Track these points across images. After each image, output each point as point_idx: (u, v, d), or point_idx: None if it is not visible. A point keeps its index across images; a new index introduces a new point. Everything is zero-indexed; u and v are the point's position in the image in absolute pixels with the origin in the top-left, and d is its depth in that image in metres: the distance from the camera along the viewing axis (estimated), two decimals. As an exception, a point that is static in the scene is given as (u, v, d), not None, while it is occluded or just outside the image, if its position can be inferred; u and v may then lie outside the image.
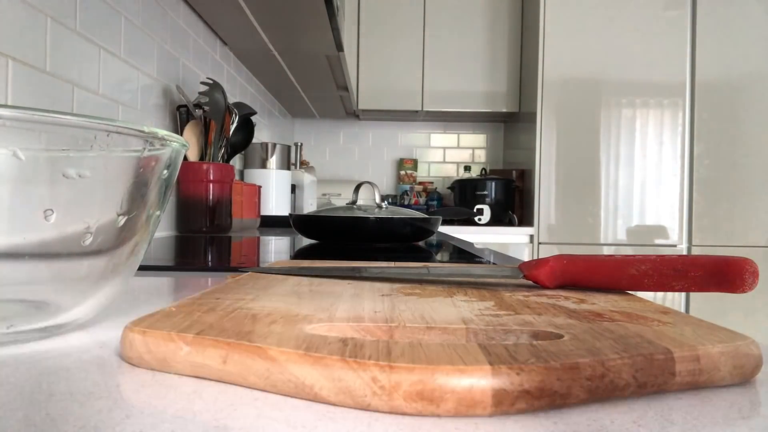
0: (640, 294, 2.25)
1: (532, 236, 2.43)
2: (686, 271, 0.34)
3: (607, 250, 2.38)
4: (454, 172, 3.15)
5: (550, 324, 0.27)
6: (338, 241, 0.92)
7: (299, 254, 0.86)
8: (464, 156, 3.16)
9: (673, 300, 2.32)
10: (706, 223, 2.37)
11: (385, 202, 0.98)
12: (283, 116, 2.80)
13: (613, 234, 2.40)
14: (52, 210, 0.26)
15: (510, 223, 2.54)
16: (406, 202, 2.96)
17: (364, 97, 2.80)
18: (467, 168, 3.00)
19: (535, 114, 2.43)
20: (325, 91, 2.40)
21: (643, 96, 2.37)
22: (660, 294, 2.32)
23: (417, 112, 2.84)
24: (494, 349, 0.21)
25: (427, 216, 0.93)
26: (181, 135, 1.28)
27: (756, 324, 2.33)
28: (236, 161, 1.87)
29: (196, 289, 0.47)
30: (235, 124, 1.34)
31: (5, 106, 0.23)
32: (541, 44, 2.40)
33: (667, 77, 2.35)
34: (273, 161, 1.90)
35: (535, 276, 0.39)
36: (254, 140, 1.50)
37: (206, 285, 0.50)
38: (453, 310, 0.30)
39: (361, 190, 1.01)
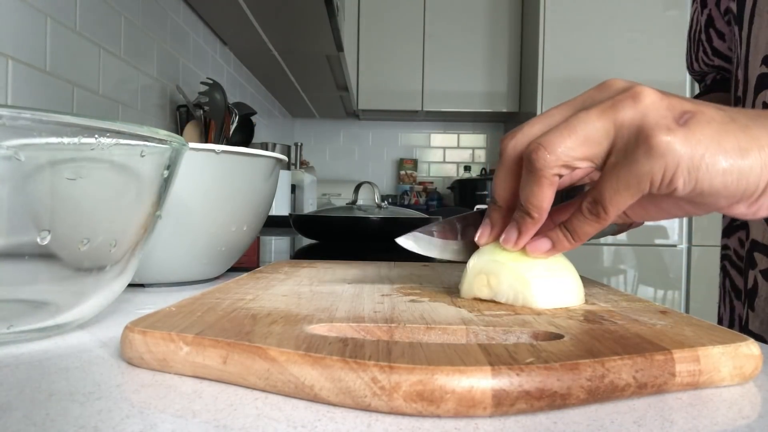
0: (640, 293, 2.26)
1: (532, 236, 2.42)
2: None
3: (607, 250, 2.38)
4: (454, 172, 3.15)
5: (550, 324, 0.27)
6: (338, 241, 0.92)
7: (299, 254, 0.86)
8: (464, 156, 3.15)
9: (673, 300, 2.33)
10: (706, 223, 2.37)
11: (385, 202, 0.99)
12: (283, 116, 2.80)
13: (613, 234, 2.40)
14: (48, 231, 0.26)
15: (510, 223, 2.53)
16: (406, 202, 2.96)
17: (364, 97, 2.79)
18: (467, 168, 3.00)
19: (535, 114, 2.42)
20: (325, 91, 2.40)
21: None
22: (660, 294, 2.32)
23: (417, 112, 2.84)
24: (494, 350, 0.21)
25: (427, 216, 0.93)
26: (181, 135, 1.28)
27: (756, 324, 2.33)
28: (236, 161, 1.86)
29: (196, 289, 0.47)
30: (235, 124, 1.34)
31: (5, 106, 0.23)
32: (541, 44, 2.40)
33: (667, 77, 2.34)
34: (273, 161, 1.89)
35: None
36: (254, 140, 1.50)
37: (206, 285, 0.50)
38: (453, 310, 0.30)
39: (361, 190, 1.01)
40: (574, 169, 0.29)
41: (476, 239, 0.35)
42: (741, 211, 0.30)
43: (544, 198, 0.30)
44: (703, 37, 0.62)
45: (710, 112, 0.28)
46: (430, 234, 0.38)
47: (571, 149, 0.28)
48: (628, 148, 0.27)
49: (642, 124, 0.27)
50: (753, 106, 0.47)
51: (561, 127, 0.29)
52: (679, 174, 0.27)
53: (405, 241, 0.38)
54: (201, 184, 0.46)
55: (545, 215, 0.31)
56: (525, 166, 0.30)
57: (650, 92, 0.28)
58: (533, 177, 0.29)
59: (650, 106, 0.27)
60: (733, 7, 0.51)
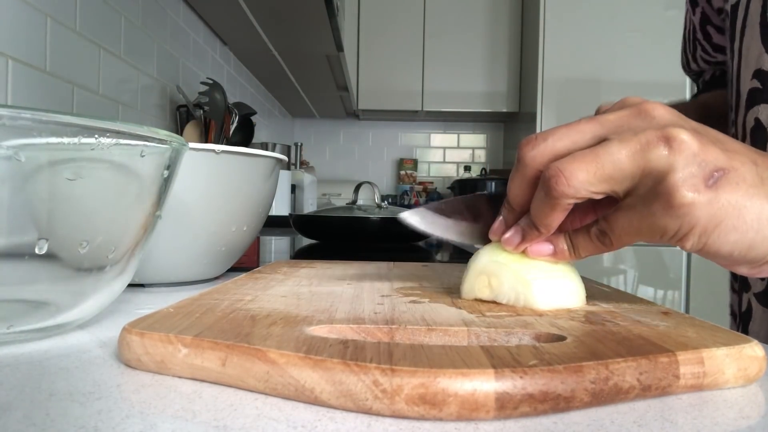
0: (640, 294, 2.25)
1: (532, 236, 2.42)
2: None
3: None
4: (454, 172, 3.14)
5: (552, 325, 0.27)
6: (338, 241, 0.92)
7: (299, 254, 0.86)
8: (464, 156, 3.15)
9: (673, 300, 2.32)
10: (706, 223, 2.37)
11: (385, 202, 0.98)
12: (283, 116, 2.80)
13: (613, 234, 2.39)
14: (46, 239, 0.26)
15: (510, 224, 2.53)
16: (406, 202, 2.96)
17: (364, 97, 2.79)
18: (467, 168, 3.00)
19: (535, 114, 2.43)
20: (325, 91, 2.40)
21: (643, 96, 2.36)
22: (660, 294, 2.32)
23: (417, 112, 2.84)
24: (497, 352, 0.21)
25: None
26: (181, 135, 1.27)
27: (756, 324, 2.33)
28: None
29: (196, 289, 0.47)
30: (235, 124, 1.34)
31: (5, 106, 0.23)
32: (541, 44, 2.40)
33: (667, 77, 2.34)
34: (273, 161, 1.88)
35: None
36: (254, 140, 1.50)
37: (206, 285, 0.50)
38: (454, 311, 0.30)
39: (361, 190, 1.01)
40: (590, 198, 0.29)
41: (490, 234, 0.34)
42: (742, 271, 0.29)
43: (554, 219, 0.30)
44: (699, 36, 0.61)
45: (743, 169, 0.26)
46: (439, 212, 0.36)
47: (591, 184, 0.27)
48: (648, 197, 0.27)
49: (668, 178, 0.26)
50: (744, 122, 0.47)
51: (587, 157, 0.27)
52: (691, 235, 0.26)
53: (410, 216, 0.36)
54: (201, 184, 0.45)
55: (552, 231, 0.31)
56: (542, 185, 0.29)
57: (688, 140, 0.26)
58: (548, 200, 0.29)
59: (683, 158, 0.26)
60: (728, 8, 0.50)
